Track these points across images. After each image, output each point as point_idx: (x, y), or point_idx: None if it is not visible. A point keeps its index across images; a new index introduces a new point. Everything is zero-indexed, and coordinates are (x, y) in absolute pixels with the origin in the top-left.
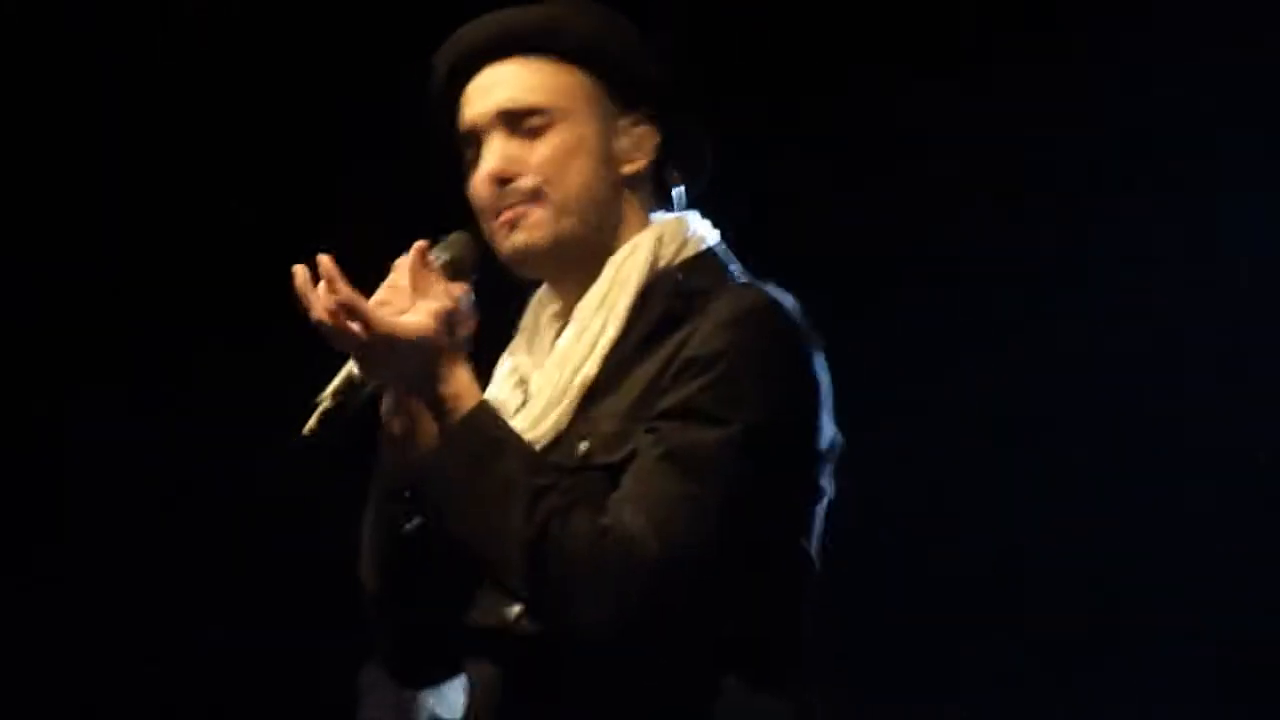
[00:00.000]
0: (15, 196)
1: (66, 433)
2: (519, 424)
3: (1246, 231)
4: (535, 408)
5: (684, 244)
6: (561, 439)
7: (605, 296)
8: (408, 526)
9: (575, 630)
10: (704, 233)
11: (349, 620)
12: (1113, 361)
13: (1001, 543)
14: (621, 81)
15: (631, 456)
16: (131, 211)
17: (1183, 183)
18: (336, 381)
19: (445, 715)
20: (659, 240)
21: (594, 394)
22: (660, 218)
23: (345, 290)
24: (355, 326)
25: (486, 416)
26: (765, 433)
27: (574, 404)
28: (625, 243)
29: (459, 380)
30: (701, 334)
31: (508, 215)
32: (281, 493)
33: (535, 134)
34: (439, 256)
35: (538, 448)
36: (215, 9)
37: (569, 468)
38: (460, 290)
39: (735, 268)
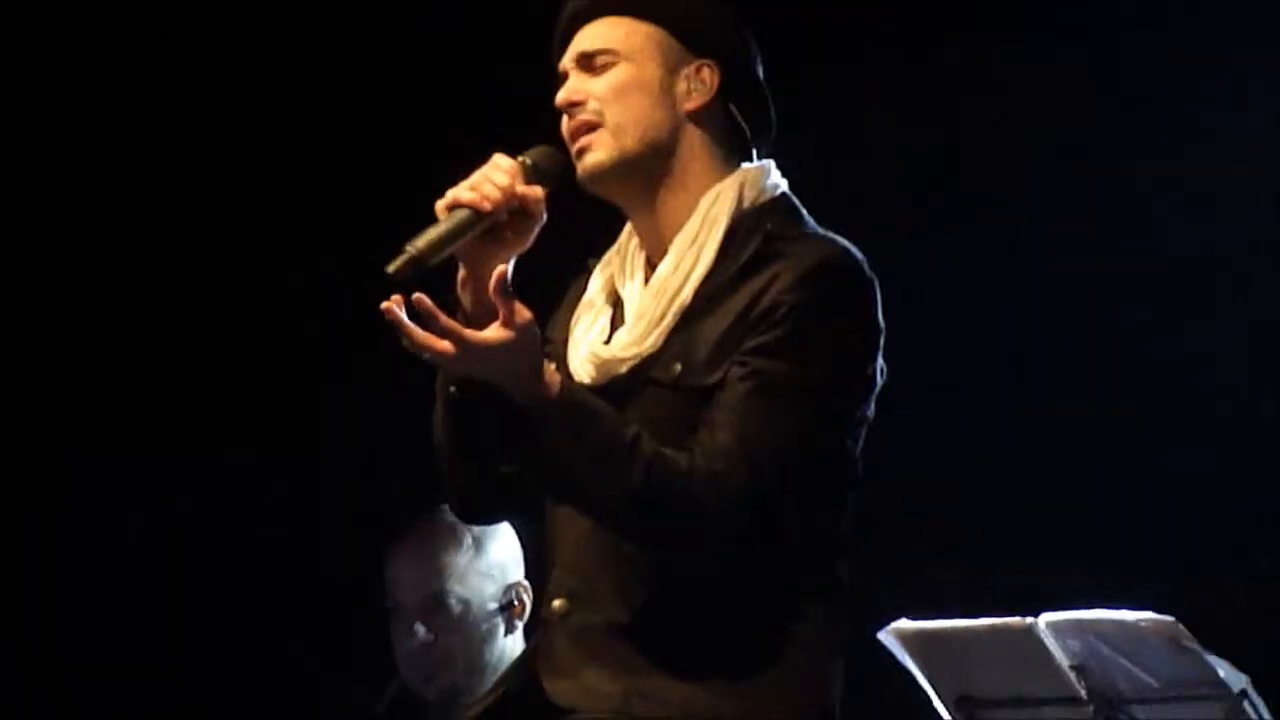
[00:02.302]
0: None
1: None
2: (621, 338)
3: None
4: (638, 328)
5: (763, 190)
6: (658, 356)
7: (697, 235)
8: (452, 390)
9: (678, 552)
10: (778, 180)
11: None
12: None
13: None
14: (686, 34)
15: (720, 383)
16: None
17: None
18: (427, 239)
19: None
20: (742, 185)
21: (688, 319)
22: (745, 166)
23: (445, 321)
24: (447, 345)
25: (575, 392)
26: (836, 371)
27: (670, 326)
28: (695, 176)
29: (544, 370)
30: (785, 281)
31: (579, 142)
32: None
33: (601, 70)
34: (526, 160)
35: (639, 362)
36: None
37: (665, 383)
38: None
39: (805, 214)
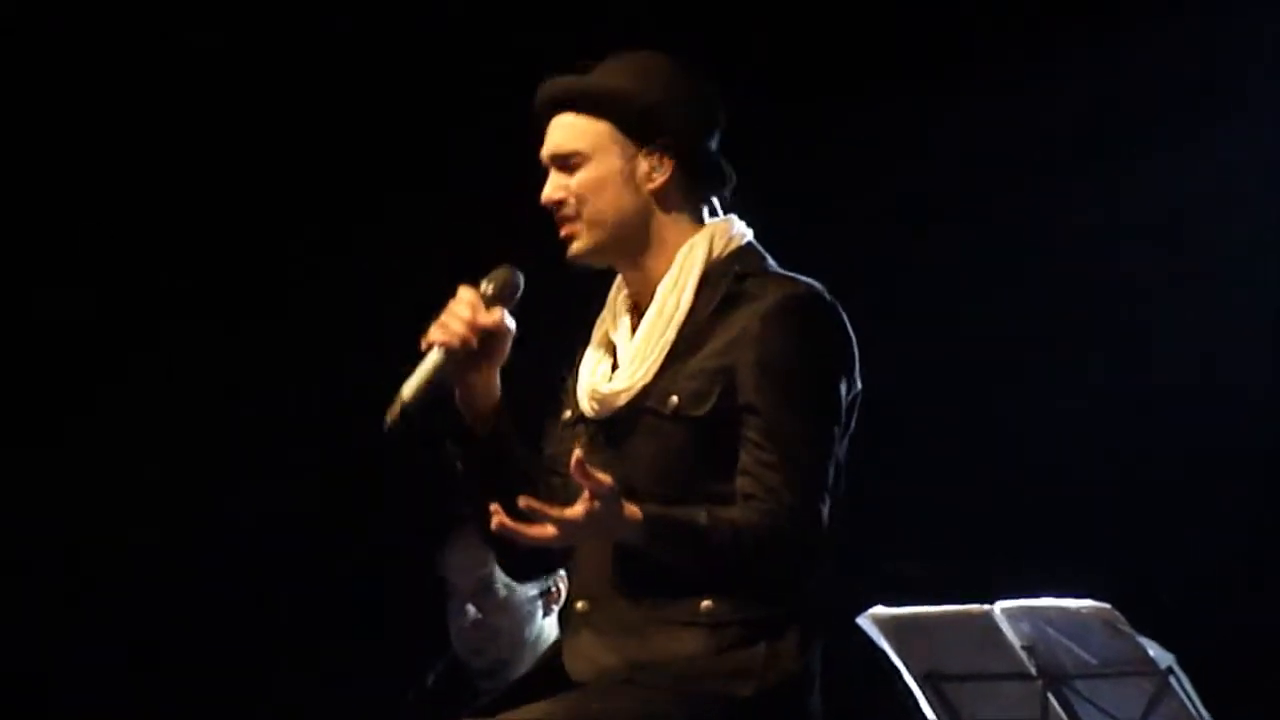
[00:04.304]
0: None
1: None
2: (617, 377)
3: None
4: (631, 366)
5: (730, 239)
6: (651, 390)
7: (676, 282)
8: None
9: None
10: (743, 230)
11: None
12: None
13: None
14: (635, 126)
15: (713, 412)
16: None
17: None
18: (412, 388)
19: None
20: (712, 237)
21: (675, 355)
22: (712, 221)
23: (549, 513)
24: (552, 529)
25: (652, 512)
26: (828, 395)
27: (659, 361)
28: (670, 238)
29: (627, 512)
30: (758, 319)
31: (564, 231)
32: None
33: (574, 169)
34: (485, 289)
35: (633, 395)
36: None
37: (664, 414)
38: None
39: (769, 258)
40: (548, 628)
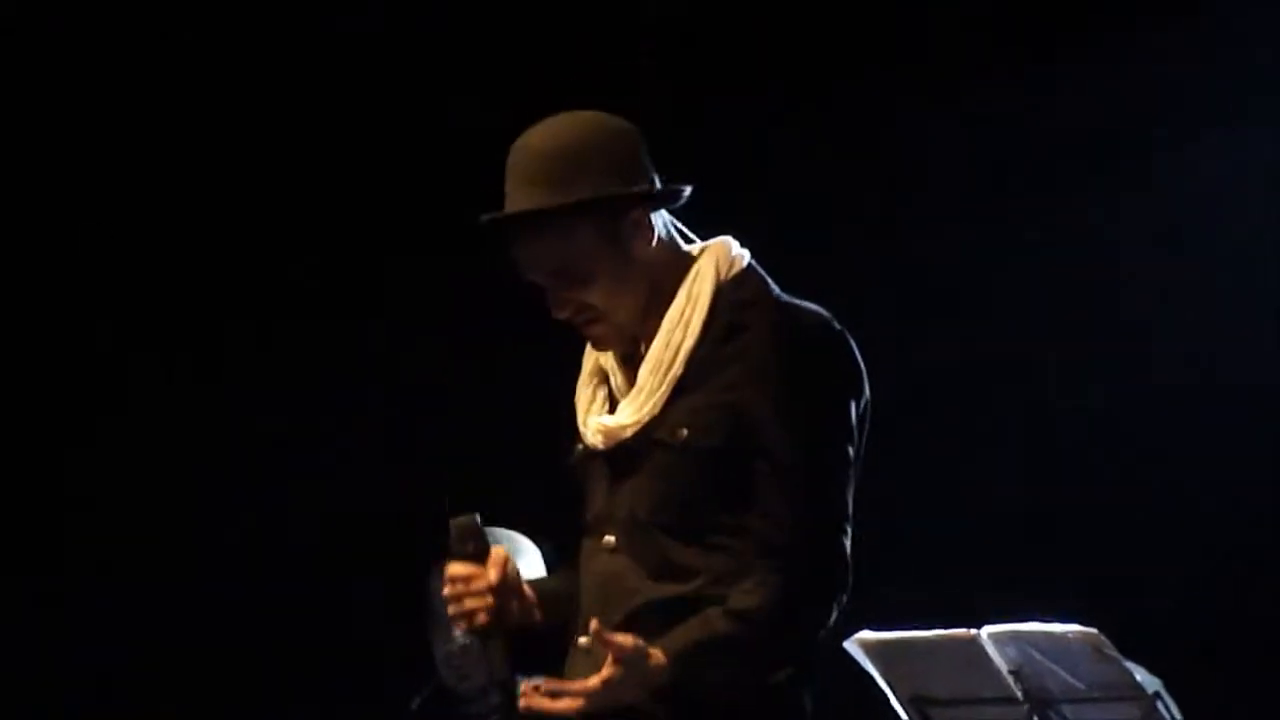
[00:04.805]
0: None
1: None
2: (623, 409)
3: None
4: (638, 400)
5: (733, 262)
6: (658, 422)
7: (683, 312)
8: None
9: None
10: (742, 251)
11: None
12: None
13: None
14: (608, 214)
15: (723, 445)
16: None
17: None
18: (498, 669)
19: None
20: (716, 263)
21: (682, 387)
22: (709, 244)
23: (571, 688)
24: (579, 700)
25: (673, 650)
26: (840, 425)
27: (666, 395)
28: (668, 274)
29: (653, 659)
30: (768, 350)
31: (587, 332)
32: None
33: (570, 284)
34: (461, 550)
35: (640, 427)
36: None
37: (673, 446)
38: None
39: (771, 282)
40: None
